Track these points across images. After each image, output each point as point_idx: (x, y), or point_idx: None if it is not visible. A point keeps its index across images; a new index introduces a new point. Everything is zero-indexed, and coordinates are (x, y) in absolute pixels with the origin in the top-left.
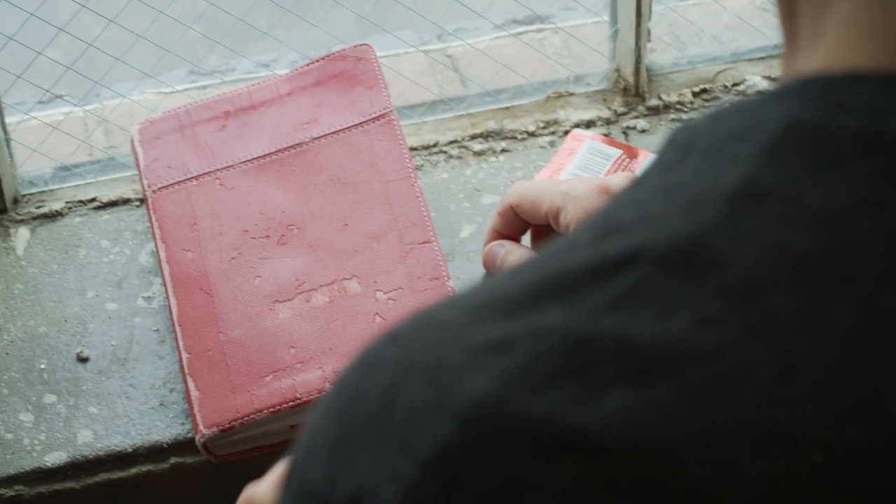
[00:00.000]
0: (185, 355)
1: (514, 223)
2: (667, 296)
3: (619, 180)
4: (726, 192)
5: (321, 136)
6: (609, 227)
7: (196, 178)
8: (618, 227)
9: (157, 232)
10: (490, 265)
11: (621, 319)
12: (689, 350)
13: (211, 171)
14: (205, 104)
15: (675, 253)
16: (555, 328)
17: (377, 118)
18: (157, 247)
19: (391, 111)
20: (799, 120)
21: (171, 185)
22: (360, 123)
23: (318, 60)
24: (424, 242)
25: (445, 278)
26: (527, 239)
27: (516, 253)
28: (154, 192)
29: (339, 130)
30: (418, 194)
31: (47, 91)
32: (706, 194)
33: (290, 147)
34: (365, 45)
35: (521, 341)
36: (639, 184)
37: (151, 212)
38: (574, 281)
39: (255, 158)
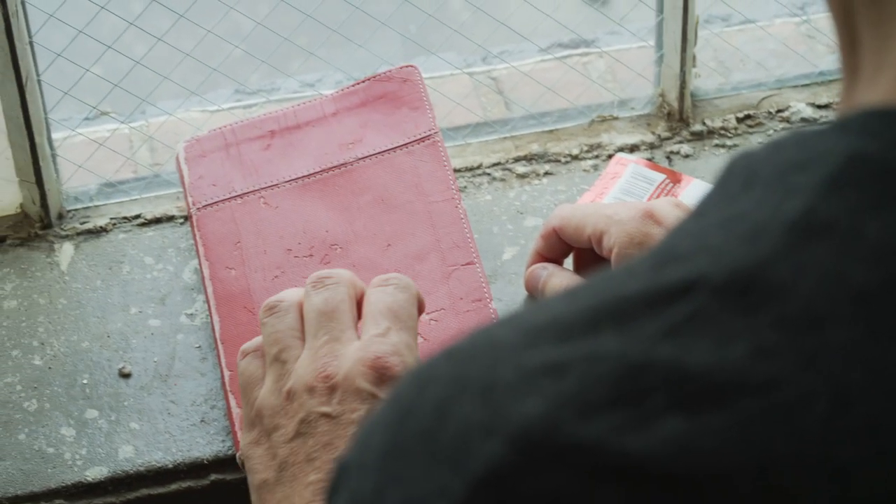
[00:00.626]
0: (226, 373)
1: (557, 246)
2: (724, 325)
3: (664, 205)
4: (786, 222)
5: (366, 157)
6: (668, 256)
7: (241, 196)
8: (677, 255)
9: (201, 249)
10: (532, 288)
11: (677, 347)
12: (744, 380)
13: (255, 190)
14: (250, 123)
15: (734, 283)
16: (610, 354)
17: (422, 139)
18: (200, 264)
19: (436, 132)
20: (860, 153)
21: (215, 202)
22: (405, 144)
23: (363, 81)
24: (467, 264)
25: (488, 300)
26: (569, 262)
27: (559, 276)
28: (199, 209)
29: (383, 151)
30: (462, 216)
31: (94, 108)
32: (766, 225)
33: (334, 167)
34: (411, 66)
35: (576, 366)
36: (699, 214)
37: (196, 229)
38: (631, 308)
39: (299, 178)
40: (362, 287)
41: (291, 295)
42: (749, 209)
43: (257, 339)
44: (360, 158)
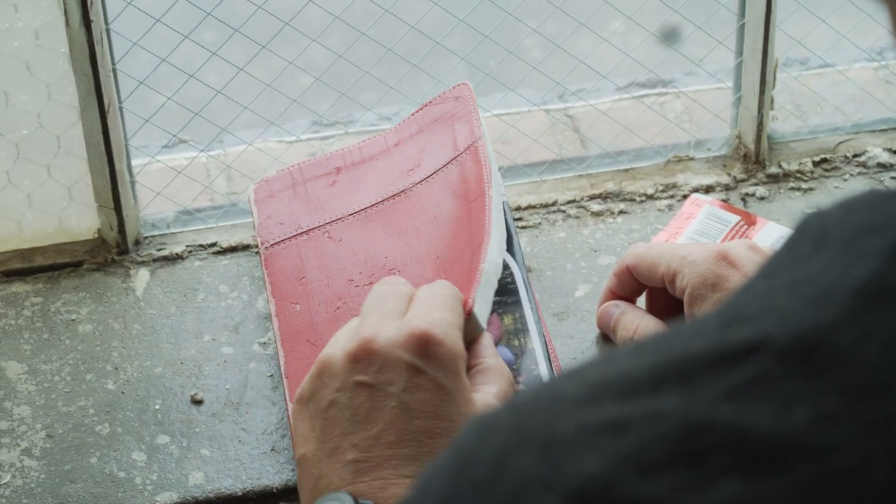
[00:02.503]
0: (290, 406)
1: (630, 284)
2: (787, 389)
3: (738, 247)
4: (853, 287)
5: (423, 180)
6: (735, 315)
7: (306, 232)
8: (743, 315)
9: (269, 287)
10: (604, 325)
11: (739, 409)
12: (805, 445)
13: (321, 225)
14: (317, 161)
15: (798, 346)
16: (671, 413)
17: (468, 148)
18: (269, 301)
19: (480, 137)
20: None
21: (282, 240)
22: (455, 157)
23: (421, 108)
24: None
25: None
26: (642, 301)
27: (631, 315)
28: (267, 248)
29: (437, 170)
30: (487, 207)
31: (173, 136)
32: (833, 288)
33: (395, 195)
34: (463, 84)
35: (637, 424)
36: (768, 274)
37: (264, 268)
38: (695, 367)
39: (362, 210)
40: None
41: None
42: (817, 271)
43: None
44: (417, 182)
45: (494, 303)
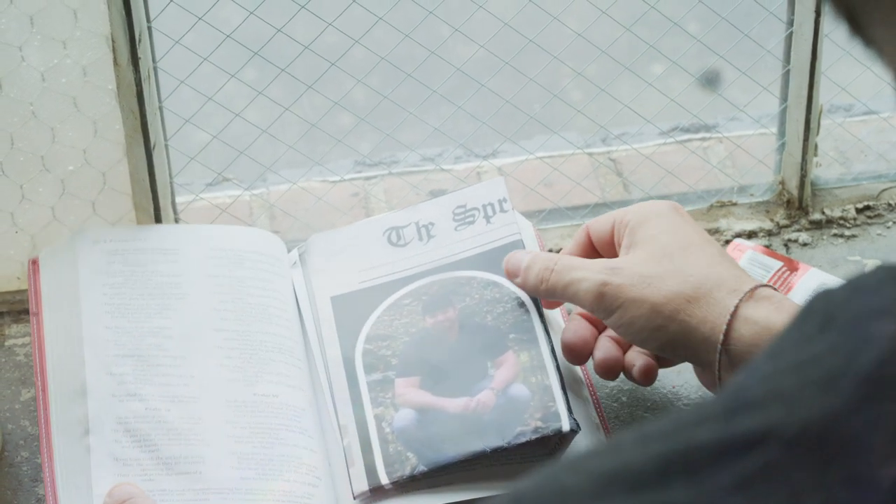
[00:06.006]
0: None
1: (586, 247)
2: (795, 480)
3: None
4: (860, 374)
5: None
6: (740, 401)
7: None
8: (749, 401)
9: None
10: (513, 270)
11: (748, 501)
12: None
13: None
14: None
15: (806, 436)
16: None
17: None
18: None
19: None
20: None
21: None
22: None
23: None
24: None
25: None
26: None
27: (543, 256)
28: None
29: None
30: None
31: (218, 174)
32: (840, 374)
33: None
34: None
35: None
36: (774, 354)
37: None
38: (702, 458)
39: None
40: None
41: None
42: (824, 354)
43: None
44: None
45: (510, 339)
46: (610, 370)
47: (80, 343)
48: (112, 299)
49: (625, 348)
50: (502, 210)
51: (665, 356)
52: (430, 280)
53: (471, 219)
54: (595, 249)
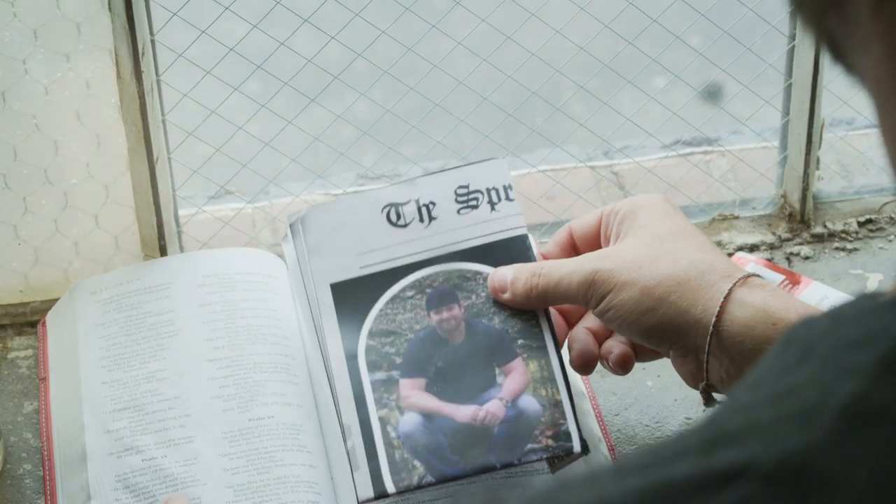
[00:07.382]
0: None
1: (567, 246)
2: None
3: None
4: (838, 407)
5: None
6: (718, 434)
7: None
8: (727, 433)
9: None
10: (499, 287)
11: None
12: None
13: None
14: None
15: (784, 471)
16: None
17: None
18: None
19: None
20: None
21: None
22: None
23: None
24: None
25: None
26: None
27: (529, 266)
28: None
29: None
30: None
31: (221, 187)
32: (818, 407)
33: None
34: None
35: None
36: (752, 385)
37: None
38: (679, 493)
39: None
40: None
41: None
42: (802, 386)
43: None
44: None
45: (518, 346)
46: (588, 362)
47: (79, 406)
48: (108, 352)
49: (600, 340)
50: (508, 198)
51: (650, 344)
52: (434, 270)
53: (474, 202)
54: (576, 249)
